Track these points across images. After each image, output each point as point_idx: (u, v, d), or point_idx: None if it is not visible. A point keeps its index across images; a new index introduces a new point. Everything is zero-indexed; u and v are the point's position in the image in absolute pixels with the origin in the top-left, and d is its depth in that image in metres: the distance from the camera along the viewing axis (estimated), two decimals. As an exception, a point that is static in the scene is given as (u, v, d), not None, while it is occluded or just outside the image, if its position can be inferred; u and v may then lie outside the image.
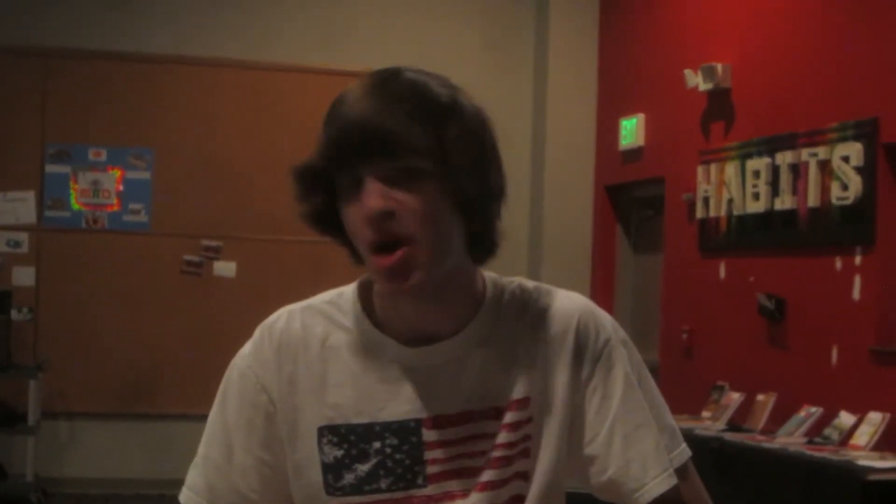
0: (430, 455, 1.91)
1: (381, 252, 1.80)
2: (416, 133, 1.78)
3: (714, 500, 2.07)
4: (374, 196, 1.77)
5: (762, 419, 7.30)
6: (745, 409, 7.52)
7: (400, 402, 1.92)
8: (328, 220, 1.87)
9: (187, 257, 9.89)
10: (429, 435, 1.91)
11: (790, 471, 6.39)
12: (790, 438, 6.87)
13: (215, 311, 9.77)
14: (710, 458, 6.79)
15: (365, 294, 1.99)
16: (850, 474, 5.99)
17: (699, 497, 2.03)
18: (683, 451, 2.01)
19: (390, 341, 1.93)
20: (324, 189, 1.84)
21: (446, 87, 1.86)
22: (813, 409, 7.00)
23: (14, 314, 9.44)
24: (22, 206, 9.69)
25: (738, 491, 6.59)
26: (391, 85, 1.81)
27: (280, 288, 8.88)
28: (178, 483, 2.05)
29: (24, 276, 9.68)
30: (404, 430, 1.91)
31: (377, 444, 1.91)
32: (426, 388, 1.92)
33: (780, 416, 7.20)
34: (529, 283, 2.02)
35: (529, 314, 1.98)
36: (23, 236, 9.70)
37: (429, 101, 1.81)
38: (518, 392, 1.93)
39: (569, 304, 2.00)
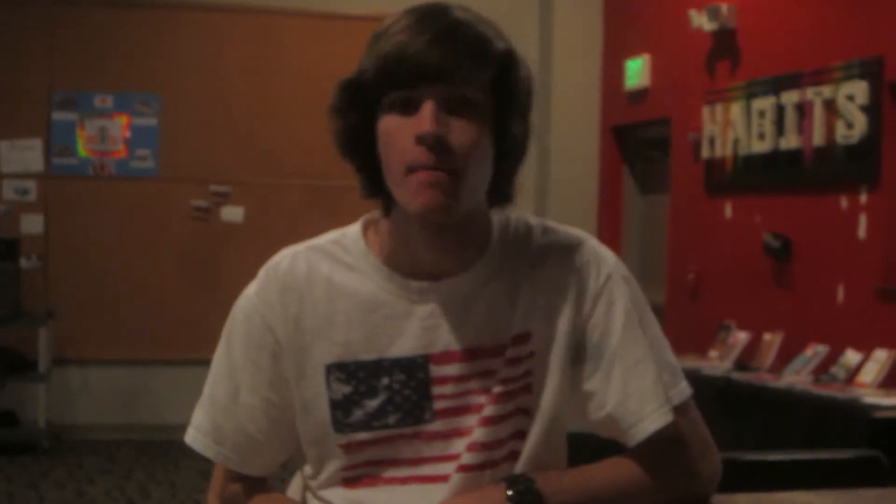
0: (437, 391, 1.94)
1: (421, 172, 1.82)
2: (478, 67, 1.83)
3: (721, 438, 2.07)
4: (431, 119, 1.80)
5: (769, 358, 7.33)
6: (752, 348, 7.55)
7: (408, 339, 1.94)
8: (359, 140, 1.89)
9: (195, 203, 9.89)
10: (436, 371, 1.93)
11: (797, 409, 6.42)
12: (797, 377, 6.89)
13: (223, 255, 9.78)
14: (717, 396, 6.82)
15: (369, 233, 2.01)
16: (857, 412, 6.02)
17: (699, 435, 2.03)
18: (684, 389, 2.01)
19: (397, 277, 1.95)
20: (363, 106, 1.86)
21: (501, 32, 1.92)
22: (819, 348, 7.03)
23: (23, 262, 9.47)
24: (29, 153, 9.69)
25: (745, 429, 6.62)
26: (449, 18, 1.85)
27: (288, 232, 8.82)
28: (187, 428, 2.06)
29: (32, 224, 9.68)
30: (412, 366, 1.93)
31: (385, 380, 1.93)
32: (433, 324, 1.94)
33: (786, 355, 7.23)
34: (533, 220, 2.04)
35: (533, 250, 2.00)
36: (30, 184, 9.70)
37: (491, 41, 1.87)
38: (519, 327, 1.95)
39: (571, 240, 2.02)
